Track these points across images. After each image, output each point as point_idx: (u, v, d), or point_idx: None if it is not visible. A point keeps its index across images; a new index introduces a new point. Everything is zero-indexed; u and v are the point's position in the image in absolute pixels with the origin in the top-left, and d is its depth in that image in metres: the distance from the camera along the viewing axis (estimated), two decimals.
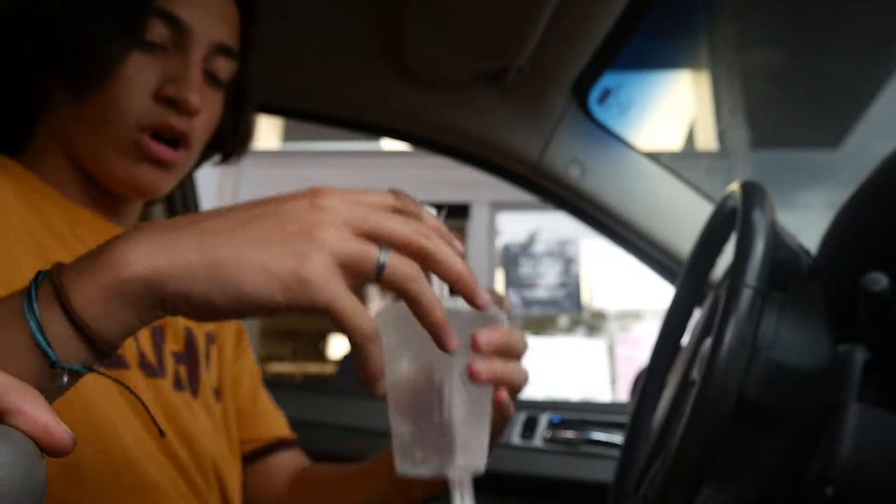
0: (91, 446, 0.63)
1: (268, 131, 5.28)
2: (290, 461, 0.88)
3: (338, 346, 8.62)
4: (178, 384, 0.75)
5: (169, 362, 0.75)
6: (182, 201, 1.43)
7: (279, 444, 0.88)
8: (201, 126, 0.75)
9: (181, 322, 0.79)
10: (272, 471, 0.86)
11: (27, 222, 0.68)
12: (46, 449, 0.30)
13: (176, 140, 0.73)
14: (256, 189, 5.20)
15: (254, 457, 0.86)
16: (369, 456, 0.79)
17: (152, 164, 0.72)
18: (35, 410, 0.30)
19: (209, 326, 0.85)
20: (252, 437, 0.87)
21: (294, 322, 8.00)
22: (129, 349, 0.70)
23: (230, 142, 0.85)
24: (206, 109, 0.75)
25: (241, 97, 0.82)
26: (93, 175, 0.74)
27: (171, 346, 0.77)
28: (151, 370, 0.72)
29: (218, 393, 0.83)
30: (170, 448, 0.71)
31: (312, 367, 9.02)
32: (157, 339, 0.75)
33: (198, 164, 0.87)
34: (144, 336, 0.73)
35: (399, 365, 0.50)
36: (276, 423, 0.90)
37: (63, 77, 0.71)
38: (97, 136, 0.71)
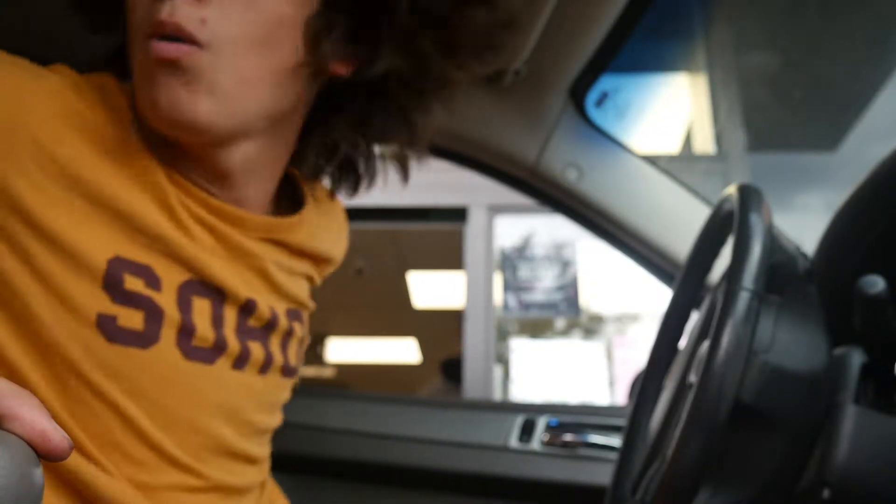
0: None
1: None
2: None
3: (336, 350, 8.60)
4: (239, 362, 0.69)
5: (233, 339, 0.68)
6: None
7: None
8: (224, 15, 0.59)
9: (266, 302, 0.72)
10: None
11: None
12: (43, 454, 0.30)
13: (178, 39, 0.58)
14: None
15: None
16: (362, 457, 0.79)
17: (162, 72, 0.58)
18: (31, 415, 0.30)
19: (292, 303, 0.77)
20: None
21: None
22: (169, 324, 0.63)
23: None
24: None
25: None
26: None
27: (252, 322, 0.71)
28: (199, 353, 0.65)
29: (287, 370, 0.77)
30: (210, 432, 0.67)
31: (310, 371, 9.00)
32: (239, 319, 0.69)
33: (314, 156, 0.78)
34: (203, 315, 0.66)
35: None
36: None
37: None
38: (133, 67, 0.62)
